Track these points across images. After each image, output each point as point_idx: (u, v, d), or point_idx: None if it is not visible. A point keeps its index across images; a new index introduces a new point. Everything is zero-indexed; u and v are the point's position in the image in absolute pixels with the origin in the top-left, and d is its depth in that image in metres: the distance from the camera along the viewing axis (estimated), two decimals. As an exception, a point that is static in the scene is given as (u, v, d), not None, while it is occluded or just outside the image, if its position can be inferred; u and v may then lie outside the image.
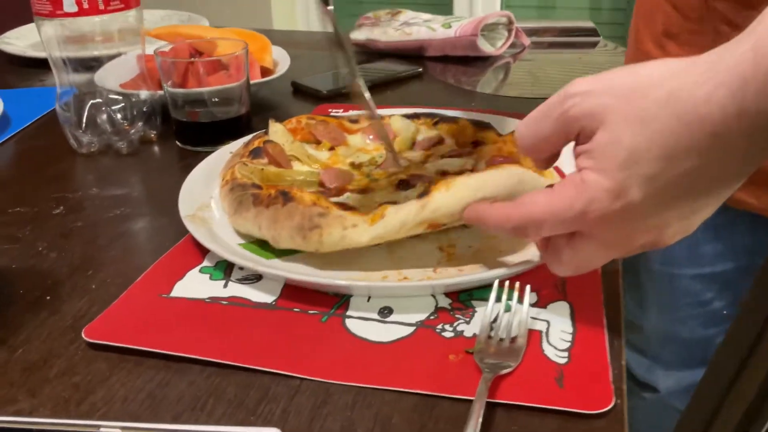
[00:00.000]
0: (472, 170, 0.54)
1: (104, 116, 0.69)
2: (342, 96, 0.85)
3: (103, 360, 0.40)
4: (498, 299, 0.42)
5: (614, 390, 0.36)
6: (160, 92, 0.71)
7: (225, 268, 0.48)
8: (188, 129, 0.70)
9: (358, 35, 1.05)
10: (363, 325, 0.42)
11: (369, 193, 0.53)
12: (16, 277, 0.49)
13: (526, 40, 1.05)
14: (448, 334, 0.41)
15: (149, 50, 0.70)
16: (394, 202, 0.46)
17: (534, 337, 0.40)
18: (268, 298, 0.45)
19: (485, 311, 0.41)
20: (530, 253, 0.46)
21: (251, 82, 0.71)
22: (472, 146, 0.59)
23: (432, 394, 0.36)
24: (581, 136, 0.35)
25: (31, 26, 1.12)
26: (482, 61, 0.99)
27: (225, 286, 0.46)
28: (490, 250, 0.48)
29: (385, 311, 0.43)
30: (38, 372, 0.39)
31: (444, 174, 0.54)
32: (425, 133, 0.63)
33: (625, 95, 0.33)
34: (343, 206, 0.46)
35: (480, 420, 0.33)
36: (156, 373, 0.39)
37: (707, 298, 0.80)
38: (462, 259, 0.47)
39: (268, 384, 0.38)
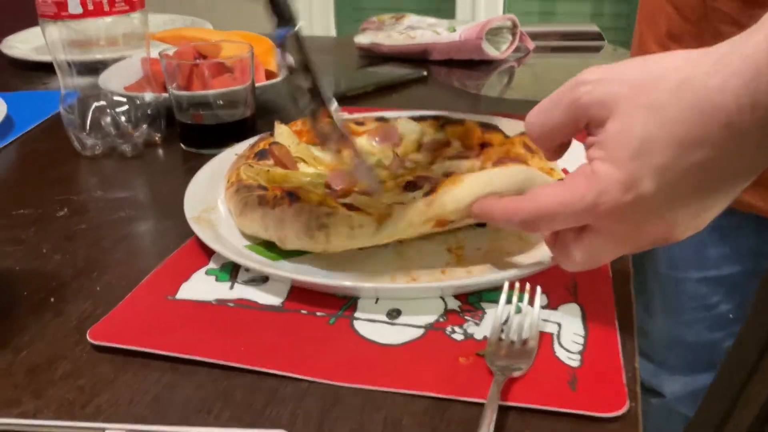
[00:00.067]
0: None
1: (108, 119, 0.68)
2: (347, 99, 0.84)
3: (108, 362, 0.39)
4: (508, 301, 0.42)
5: (628, 393, 0.35)
6: (165, 95, 0.71)
7: (231, 270, 0.48)
8: (193, 131, 0.70)
9: (362, 39, 1.05)
10: (371, 327, 0.41)
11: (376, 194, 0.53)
12: (20, 278, 0.49)
13: (531, 44, 1.04)
14: (457, 337, 0.40)
15: (153, 53, 0.70)
16: (401, 204, 0.45)
17: (545, 339, 0.39)
18: (275, 300, 0.44)
19: (496, 313, 0.41)
20: (540, 254, 0.46)
21: (256, 84, 0.71)
22: (479, 148, 0.59)
23: (443, 397, 0.36)
24: (592, 125, 0.35)
25: (35, 30, 1.12)
26: (487, 64, 0.99)
27: (231, 288, 0.46)
28: (499, 252, 0.48)
29: (394, 313, 0.42)
30: (43, 374, 0.39)
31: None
32: (432, 135, 0.62)
33: (636, 84, 0.33)
34: (350, 206, 0.46)
35: (493, 423, 0.32)
36: (162, 375, 0.38)
37: (713, 302, 0.79)
38: (471, 261, 0.47)
39: (275, 386, 0.37)
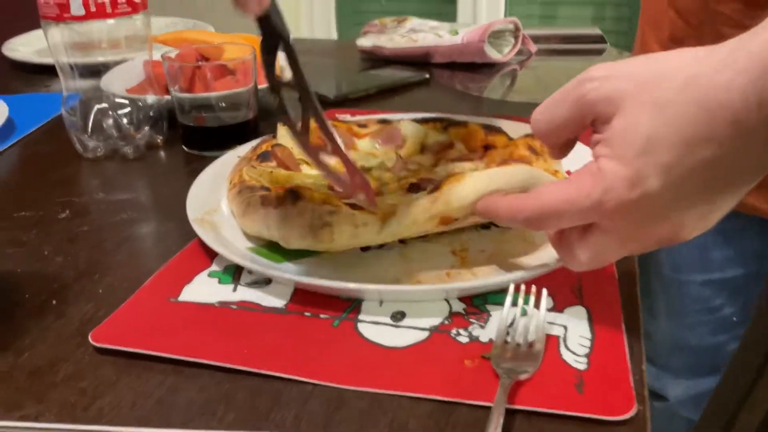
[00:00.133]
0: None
1: (110, 121, 0.68)
2: (349, 101, 0.84)
3: (110, 364, 0.39)
4: (513, 303, 0.41)
5: (635, 396, 0.35)
6: (167, 97, 0.70)
7: (233, 273, 0.47)
8: (195, 134, 0.70)
9: (364, 42, 1.05)
10: (376, 330, 0.41)
11: (379, 196, 0.52)
12: (21, 281, 0.48)
13: (533, 47, 1.04)
14: (463, 339, 0.40)
15: (156, 56, 0.70)
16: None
17: (551, 342, 0.39)
18: (278, 303, 0.44)
19: (501, 315, 0.41)
20: (544, 256, 0.46)
21: (258, 87, 0.71)
22: (483, 150, 0.59)
23: (448, 400, 0.35)
24: (598, 122, 0.35)
25: (36, 33, 1.12)
26: (489, 67, 0.99)
27: (234, 290, 0.45)
28: (504, 254, 0.47)
29: (398, 315, 0.42)
30: (44, 377, 0.38)
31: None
32: (435, 137, 0.62)
33: (643, 81, 0.32)
34: (354, 205, 0.46)
35: (500, 427, 0.32)
36: (165, 377, 0.38)
37: (717, 305, 0.79)
38: (475, 263, 0.47)
39: (279, 389, 0.37)
